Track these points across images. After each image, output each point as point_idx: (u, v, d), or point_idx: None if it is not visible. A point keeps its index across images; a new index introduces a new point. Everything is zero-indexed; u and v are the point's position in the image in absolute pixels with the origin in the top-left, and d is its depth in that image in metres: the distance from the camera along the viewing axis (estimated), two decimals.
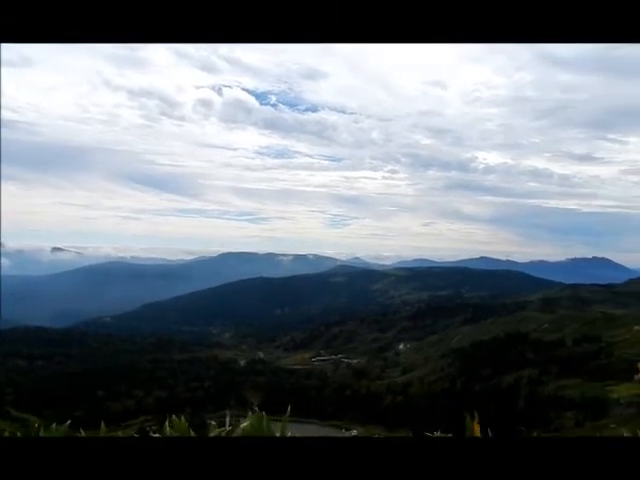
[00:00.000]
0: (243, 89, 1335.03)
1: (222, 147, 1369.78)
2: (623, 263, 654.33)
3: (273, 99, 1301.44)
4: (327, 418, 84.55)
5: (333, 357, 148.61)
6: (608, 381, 79.96)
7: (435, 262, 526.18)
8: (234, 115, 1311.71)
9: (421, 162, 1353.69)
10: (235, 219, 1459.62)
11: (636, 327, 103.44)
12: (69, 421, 3.48)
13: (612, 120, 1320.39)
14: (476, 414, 3.08)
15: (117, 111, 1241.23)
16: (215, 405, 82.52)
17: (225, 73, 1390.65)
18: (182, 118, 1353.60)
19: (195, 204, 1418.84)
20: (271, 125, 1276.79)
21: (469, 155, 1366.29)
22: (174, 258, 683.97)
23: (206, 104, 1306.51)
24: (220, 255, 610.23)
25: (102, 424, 3.35)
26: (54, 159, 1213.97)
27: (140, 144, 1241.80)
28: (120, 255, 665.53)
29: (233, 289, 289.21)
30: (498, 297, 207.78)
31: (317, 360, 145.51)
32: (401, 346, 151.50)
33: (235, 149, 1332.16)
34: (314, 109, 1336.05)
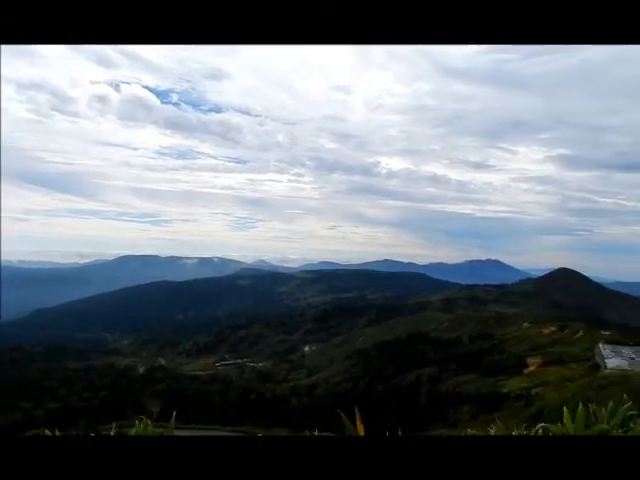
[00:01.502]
0: (143, 86, 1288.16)
1: (120, 145, 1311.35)
2: (513, 264, 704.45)
3: (175, 98, 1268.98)
4: (230, 424, 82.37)
5: (238, 361, 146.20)
6: (500, 376, 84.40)
7: (340, 265, 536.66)
8: (133, 113, 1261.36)
9: (326, 166, 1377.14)
10: (135, 221, 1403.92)
11: (525, 324, 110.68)
12: None
13: (503, 130, 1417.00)
14: (358, 413, 2.93)
15: (3, 104, 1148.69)
16: (111, 415, 77.71)
17: (123, 68, 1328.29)
18: (76, 114, 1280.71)
19: (90, 205, 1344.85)
20: (173, 125, 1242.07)
21: (372, 160, 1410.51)
22: (67, 261, 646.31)
23: (102, 100, 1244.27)
24: (119, 258, 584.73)
25: None
26: None
27: (29, 140, 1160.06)
28: (5, 259, 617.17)
29: (133, 293, 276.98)
30: (401, 298, 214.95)
31: (221, 365, 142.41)
32: (307, 348, 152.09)
33: (135, 148, 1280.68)
34: (218, 110, 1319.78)
